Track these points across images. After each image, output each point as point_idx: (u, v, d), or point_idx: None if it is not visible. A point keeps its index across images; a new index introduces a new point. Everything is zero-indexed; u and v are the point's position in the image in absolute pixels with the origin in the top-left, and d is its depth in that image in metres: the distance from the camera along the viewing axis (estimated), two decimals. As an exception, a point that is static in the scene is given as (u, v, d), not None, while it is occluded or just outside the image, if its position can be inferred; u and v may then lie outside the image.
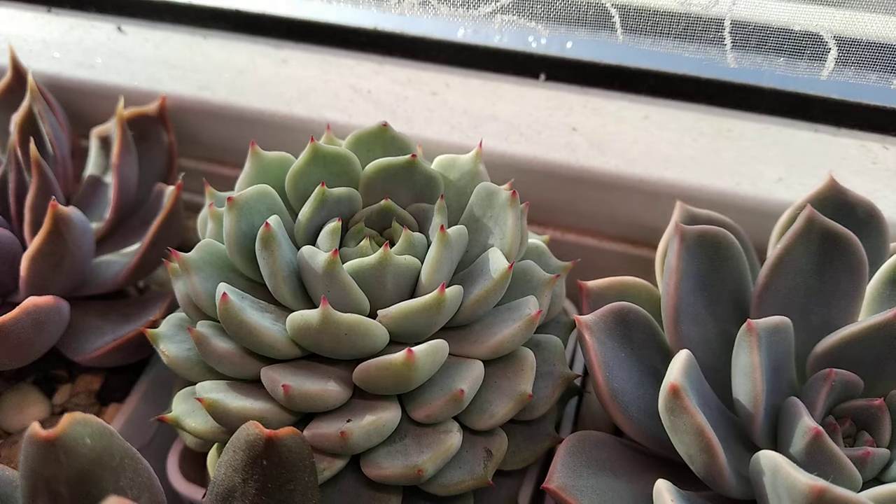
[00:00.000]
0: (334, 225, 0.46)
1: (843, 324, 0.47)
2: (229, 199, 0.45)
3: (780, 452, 0.41)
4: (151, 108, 0.64)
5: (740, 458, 0.43)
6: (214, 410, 0.42)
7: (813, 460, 0.40)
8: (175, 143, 0.65)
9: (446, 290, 0.42)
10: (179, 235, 0.59)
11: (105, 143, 0.62)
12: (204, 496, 0.49)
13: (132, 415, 0.56)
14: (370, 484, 0.44)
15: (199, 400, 0.41)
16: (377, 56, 0.65)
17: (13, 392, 0.57)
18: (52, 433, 0.31)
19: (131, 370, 0.58)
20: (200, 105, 0.65)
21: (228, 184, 0.67)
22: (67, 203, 0.58)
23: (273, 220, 0.43)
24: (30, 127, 0.60)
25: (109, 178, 0.62)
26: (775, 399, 0.44)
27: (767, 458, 0.38)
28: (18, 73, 0.65)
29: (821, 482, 0.35)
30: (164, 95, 0.64)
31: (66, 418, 0.32)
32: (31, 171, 0.59)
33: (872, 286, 0.48)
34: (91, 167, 0.63)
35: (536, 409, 0.47)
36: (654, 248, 0.60)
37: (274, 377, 0.41)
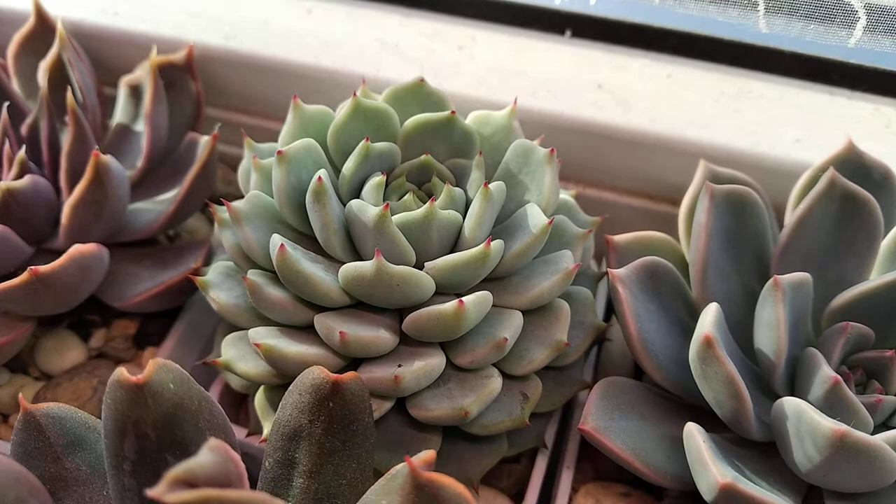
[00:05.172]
0: (379, 179, 0.48)
1: (857, 280, 0.50)
2: (279, 152, 0.46)
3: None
4: (178, 56, 0.65)
5: (760, 404, 0.46)
6: (271, 355, 0.44)
7: (830, 406, 0.43)
8: (202, 92, 0.65)
9: (491, 244, 0.44)
10: (213, 185, 0.60)
11: (135, 91, 0.63)
12: (247, 435, 0.52)
13: (169, 358, 0.57)
14: (413, 424, 0.47)
15: (257, 346, 0.43)
16: (403, 7, 0.65)
17: (51, 337, 0.58)
18: (141, 378, 0.34)
19: (164, 314, 0.60)
20: (227, 55, 0.65)
21: (254, 133, 0.68)
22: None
23: (323, 174, 0.45)
24: (59, 75, 0.60)
25: (139, 127, 0.63)
26: (794, 350, 0.47)
27: (791, 404, 0.41)
28: (42, 19, 0.64)
29: (843, 427, 0.38)
30: (191, 45, 0.64)
31: (151, 364, 0.34)
32: (62, 119, 0.59)
33: (885, 246, 0.51)
34: (119, 115, 0.63)
35: (568, 356, 0.49)
36: (674, 203, 0.63)
37: (329, 325, 0.43)
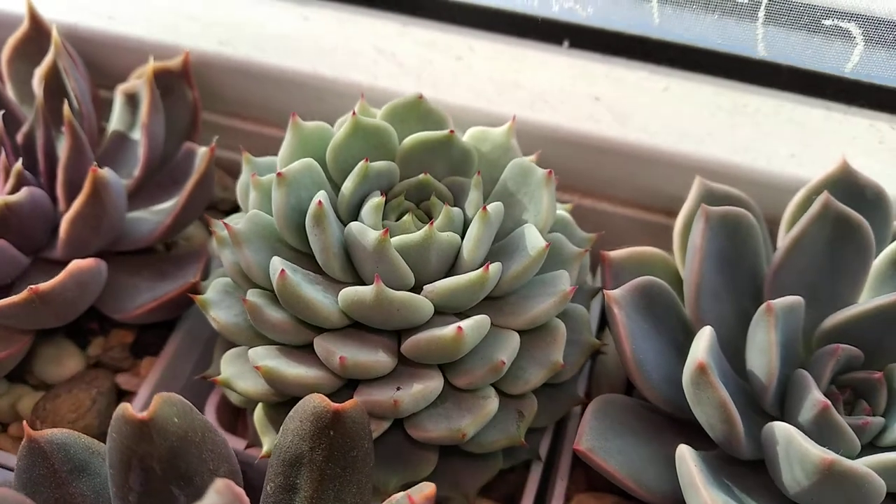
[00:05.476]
0: (378, 201, 0.48)
1: (849, 301, 0.51)
2: (279, 174, 0.46)
3: (789, 420, 0.46)
4: (175, 63, 0.64)
5: (752, 422, 0.47)
6: (270, 377, 0.44)
7: (819, 429, 0.44)
8: (199, 98, 0.65)
9: (490, 268, 0.45)
10: (210, 196, 0.60)
11: (131, 99, 0.62)
12: (246, 447, 0.52)
13: (166, 368, 0.58)
14: (410, 440, 0.47)
15: (257, 367, 0.44)
16: (400, 16, 0.65)
17: (49, 346, 0.58)
18: (147, 415, 0.34)
19: (162, 324, 0.60)
20: (223, 61, 0.65)
21: (251, 139, 0.68)
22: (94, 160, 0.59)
23: (322, 196, 0.45)
24: (55, 83, 0.60)
25: (135, 135, 0.62)
26: (785, 370, 0.48)
27: (781, 429, 0.42)
28: (36, 23, 0.64)
29: (831, 455, 0.39)
30: (187, 51, 0.64)
31: (156, 399, 0.35)
32: (58, 127, 0.59)
33: (876, 266, 0.51)
34: (115, 123, 0.63)
35: (564, 374, 0.50)
36: (669, 214, 0.63)
37: (329, 348, 0.44)
